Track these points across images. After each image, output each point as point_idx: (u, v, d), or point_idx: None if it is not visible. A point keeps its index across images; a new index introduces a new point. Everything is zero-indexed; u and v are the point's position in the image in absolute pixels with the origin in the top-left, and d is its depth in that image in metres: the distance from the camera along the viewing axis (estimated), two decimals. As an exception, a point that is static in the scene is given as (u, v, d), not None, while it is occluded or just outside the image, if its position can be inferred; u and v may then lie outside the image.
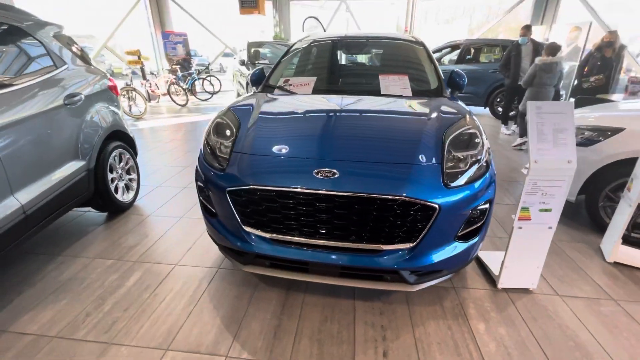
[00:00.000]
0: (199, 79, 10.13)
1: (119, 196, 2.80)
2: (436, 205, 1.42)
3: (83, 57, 2.77)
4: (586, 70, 5.23)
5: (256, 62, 7.72)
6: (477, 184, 1.53)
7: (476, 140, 1.65)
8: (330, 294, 1.91)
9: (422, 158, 1.53)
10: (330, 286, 1.94)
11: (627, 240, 2.39)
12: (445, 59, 8.01)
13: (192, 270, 2.13)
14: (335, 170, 1.45)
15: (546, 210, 1.73)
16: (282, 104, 2.16)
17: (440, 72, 2.47)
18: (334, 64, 2.83)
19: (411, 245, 1.50)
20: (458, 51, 7.46)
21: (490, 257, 2.15)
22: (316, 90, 2.35)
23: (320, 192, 1.42)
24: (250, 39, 8.63)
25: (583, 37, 7.48)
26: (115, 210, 2.83)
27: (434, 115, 1.85)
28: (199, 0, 12.32)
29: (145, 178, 3.63)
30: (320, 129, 1.76)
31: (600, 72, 5.02)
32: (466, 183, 1.51)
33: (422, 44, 2.76)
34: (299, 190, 1.44)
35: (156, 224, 2.71)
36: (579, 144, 2.58)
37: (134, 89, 7.16)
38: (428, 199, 1.41)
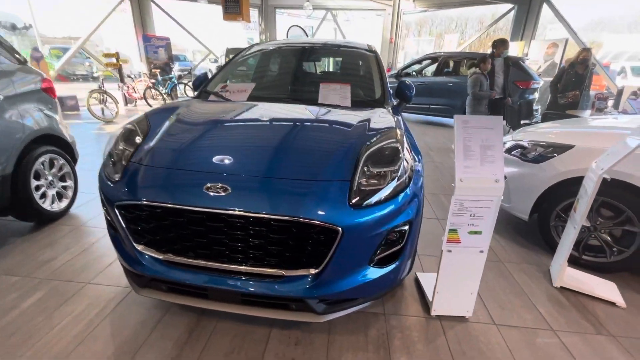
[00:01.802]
0: (180, 83, 9.98)
1: (46, 205, 2.60)
2: (339, 228, 1.26)
3: (14, 55, 2.59)
4: (560, 86, 5.24)
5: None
6: (393, 204, 1.39)
7: (398, 155, 1.51)
8: (245, 320, 1.73)
9: (330, 174, 1.39)
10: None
11: (578, 263, 2.28)
12: (428, 71, 8.02)
13: (103, 290, 1.93)
14: (227, 186, 1.30)
15: (476, 232, 1.59)
16: (204, 111, 2.01)
17: (386, 83, 2.35)
18: (279, 71, 2.70)
19: (316, 271, 1.34)
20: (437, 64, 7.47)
21: (430, 280, 2.00)
22: (252, 98, 2.21)
23: (208, 210, 1.26)
24: (230, 46, 8.54)
25: (559, 54, 7.59)
26: (42, 219, 2.62)
27: (360, 127, 1.71)
28: (191, 7, 12.25)
29: (91, 185, 3.42)
30: (225, 139, 1.61)
31: (575, 88, 5.04)
32: (379, 202, 1.36)
33: (373, 52, 2.66)
34: (186, 208, 1.28)
35: (84, 236, 2.51)
36: (531, 160, 2.48)
37: (105, 92, 6.96)
38: (329, 220, 1.26)
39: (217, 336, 1.64)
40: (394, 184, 1.43)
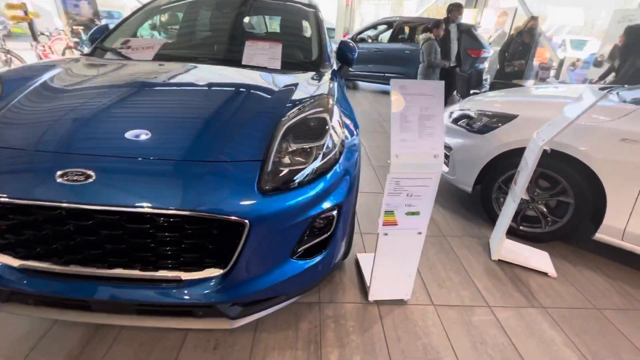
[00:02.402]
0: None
1: None
2: (245, 221, 1.02)
3: None
4: (507, 55, 5.27)
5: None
6: (317, 185, 1.17)
7: (325, 128, 1.27)
8: (155, 324, 1.47)
9: (235, 153, 1.12)
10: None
11: (516, 234, 2.29)
12: (384, 37, 7.72)
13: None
14: (90, 172, 0.98)
15: (413, 213, 1.44)
16: (85, 73, 1.59)
17: (326, 43, 2.05)
18: (197, 26, 2.28)
19: (223, 271, 1.10)
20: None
21: (370, 262, 1.87)
22: (160, 57, 1.80)
23: (62, 205, 0.94)
24: None
25: (509, 23, 7.66)
26: None
27: (282, 94, 1.43)
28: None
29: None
30: (99, 111, 1.24)
31: (521, 57, 5.09)
32: (299, 185, 1.13)
33: (313, 8, 2.31)
34: (31, 202, 0.95)
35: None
36: (476, 131, 2.39)
37: (9, 52, 5.83)
38: (230, 212, 1.00)
39: (119, 346, 1.37)
40: (318, 162, 1.19)
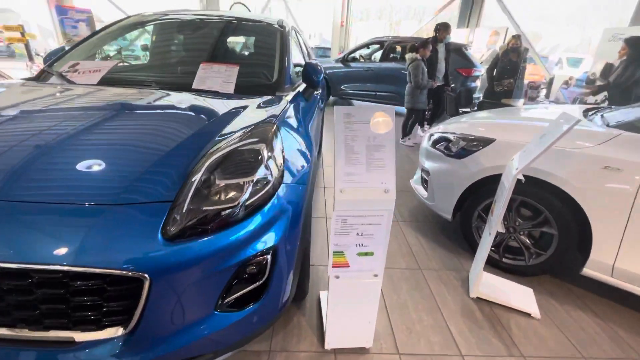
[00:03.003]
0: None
1: None
2: (145, 275, 0.87)
3: None
4: (496, 74, 5.21)
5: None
6: (242, 228, 1.02)
7: (259, 160, 1.13)
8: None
9: (142, 193, 0.97)
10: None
11: (498, 266, 2.11)
12: (377, 56, 7.73)
13: None
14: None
15: (366, 254, 1.28)
16: (7, 100, 1.47)
17: (288, 64, 1.95)
18: (155, 49, 2.20)
19: (126, 331, 0.94)
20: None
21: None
22: (106, 80, 1.70)
23: None
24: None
25: (500, 42, 7.67)
26: None
27: (218, 122, 1.30)
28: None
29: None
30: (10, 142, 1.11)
31: (510, 76, 5.02)
32: (219, 229, 0.99)
33: (281, 27, 2.23)
34: None
35: None
36: (454, 155, 2.25)
37: (-2, 72, 5.83)
38: (123, 265, 0.85)
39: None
40: (246, 199, 1.05)
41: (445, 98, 4.91)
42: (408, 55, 4.48)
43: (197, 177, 1.02)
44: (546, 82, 7.39)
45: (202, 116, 1.35)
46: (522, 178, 1.56)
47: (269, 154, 1.17)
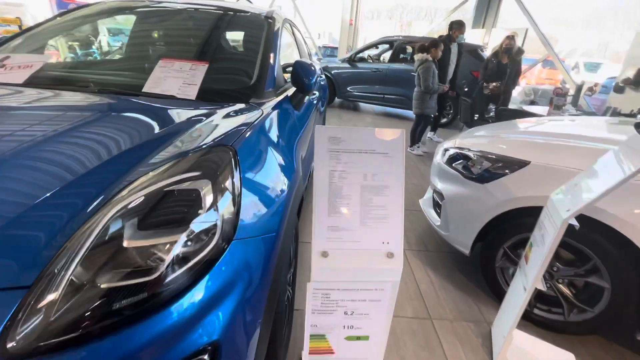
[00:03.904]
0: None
1: None
2: None
3: None
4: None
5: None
6: (159, 319, 0.64)
7: (197, 203, 0.75)
8: None
9: None
10: None
11: (529, 317, 1.70)
12: (386, 57, 7.32)
13: None
14: None
15: (359, 338, 0.89)
16: None
17: (272, 63, 1.56)
18: (110, 42, 1.83)
19: None
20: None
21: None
22: (37, 79, 1.33)
23: None
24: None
25: (519, 44, 7.19)
26: None
27: (156, 141, 0.92)
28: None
29: None
30: None
31: (497, 79, 4.68)
32: (119, 324, 0.61)
33: (270, 19, 1.84)
34: None
35: None
36: (476, 178, 1.84)
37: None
38: None
39: None
40: (168, 269, 0.67)
41: (459, 104, 4.49)
42: (417, 56, 4.07)
43: (84, 243, 0.64)
44: (567, 88, 6.88)
45: (135, 133, 0.96)
46: (577, 224, 1.15)
47: (216, 195, 0.78)
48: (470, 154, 1.96)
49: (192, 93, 1.30)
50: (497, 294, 1.84)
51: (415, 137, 4.41)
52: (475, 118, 4.53)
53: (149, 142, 0.92)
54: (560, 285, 1.61)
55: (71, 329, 0.58)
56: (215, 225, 0.76)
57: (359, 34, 11.84)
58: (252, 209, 0.87)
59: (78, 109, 1.12)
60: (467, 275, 2.07)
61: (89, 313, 0.60)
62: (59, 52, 1.54)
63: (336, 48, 12.02)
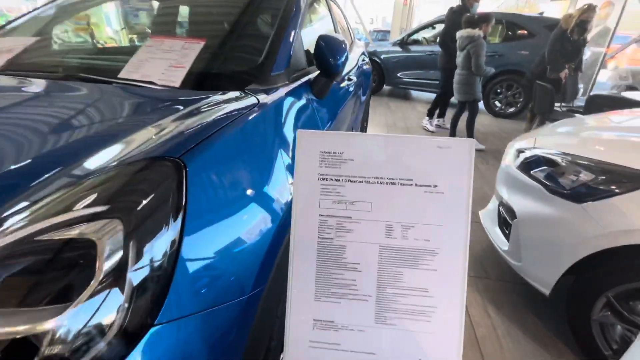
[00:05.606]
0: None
1: None
2: None
3: None
4: (550, 56, 3.89)
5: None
6: None
7: (94, 262, 0.44)
8: None
9: None
10: None
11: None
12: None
13: None
14: None
15: None
16: None
17: (287, 39, 1.20)
18: (98, 24, 1.60)
19: None
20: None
21: None
22: (16, 66, 1.14)
23: None
24: None
25: (615, 15, 5.88)
26: None
27: (81, 150, 0.62)
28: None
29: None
30: None
31: (570, 61, 3.80)
32: None
33: None
34: None
35: None
36: (567, 195, 1.33)
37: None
38: None
39: None
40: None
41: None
42: (464, 32, 3.41)
43: None
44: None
45: (68, 132, 0.68)
46: None
47: (129, 250, 0.46)
48: (559, 159, 1.43)
49: (176, 79, 1.00)
50: (589, 355, 1.32)
51: (456, 130, 3.81)
52: (562, 109, 3.73)
53: (81, 146, 0.63)
54: None
55: None
56: (129, 300, 0.45)
57: (415, 16, 10.89)
58: (209, 263, 0.54)
59: (24, 97, 0.88)
60: (543, 320, 1.56)
61: None
62: (48, 38, 1.37)
63: (388, 32, 11.21)
